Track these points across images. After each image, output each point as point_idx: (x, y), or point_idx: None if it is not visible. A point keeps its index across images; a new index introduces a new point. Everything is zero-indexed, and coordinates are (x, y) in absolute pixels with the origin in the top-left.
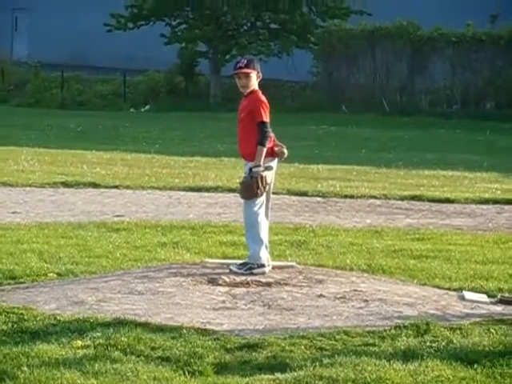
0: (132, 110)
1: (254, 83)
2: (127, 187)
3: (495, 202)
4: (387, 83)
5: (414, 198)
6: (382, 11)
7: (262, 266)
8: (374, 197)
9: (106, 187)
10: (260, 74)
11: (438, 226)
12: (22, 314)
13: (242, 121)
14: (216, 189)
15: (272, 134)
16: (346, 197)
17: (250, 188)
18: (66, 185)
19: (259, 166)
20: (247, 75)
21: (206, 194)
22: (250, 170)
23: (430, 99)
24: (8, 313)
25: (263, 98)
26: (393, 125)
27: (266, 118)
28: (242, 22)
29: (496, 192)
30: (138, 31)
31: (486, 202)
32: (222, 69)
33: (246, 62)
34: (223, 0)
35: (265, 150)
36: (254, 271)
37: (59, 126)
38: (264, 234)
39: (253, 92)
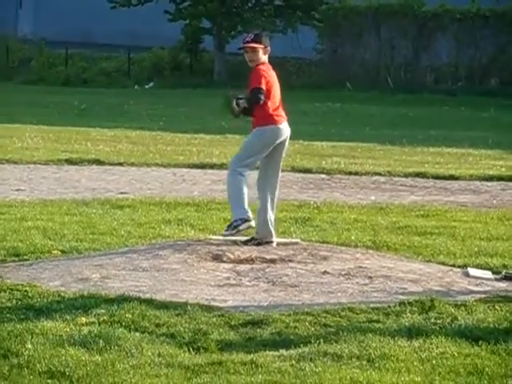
0: (136, 87)
1: (261, 57)
2: (131, 164)
3: (500, 178)
4: (392, 60)
5: (418, 174)
6: None
7: (246, 220)
8: (379, 174)
9: (111, 164)
10: (268, 48)
11: (443, 202)
12: (26, 290)
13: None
14: (220, 166)
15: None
16: (350, 174)
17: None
18: (70, 162)
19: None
20: (253, 49)
21: (210, 170)
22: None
23: (434, 76)
24: (12, 290)
25: (263, 70)
26: (397, 102)
27: (261, 85)
28: None
29: (501, 169)
30: (142, 8)
31: (491, 178)
32: (226, 45)
33: (252, 36)
34: None
35: (243, 97)
36: (240, 227)
37: (63, 104)
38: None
39: (257, 65)
